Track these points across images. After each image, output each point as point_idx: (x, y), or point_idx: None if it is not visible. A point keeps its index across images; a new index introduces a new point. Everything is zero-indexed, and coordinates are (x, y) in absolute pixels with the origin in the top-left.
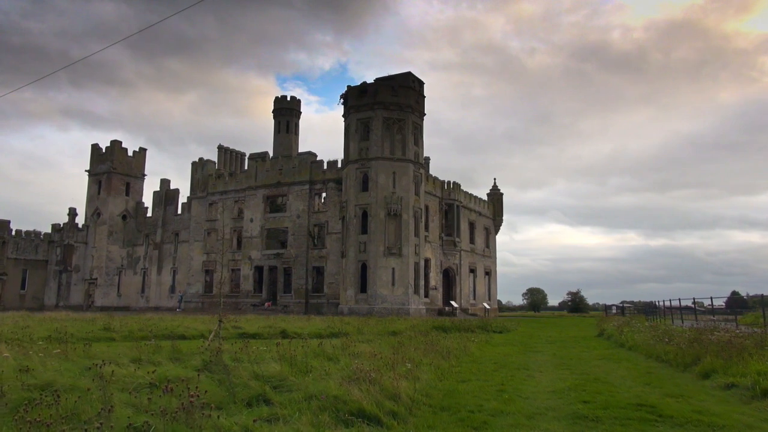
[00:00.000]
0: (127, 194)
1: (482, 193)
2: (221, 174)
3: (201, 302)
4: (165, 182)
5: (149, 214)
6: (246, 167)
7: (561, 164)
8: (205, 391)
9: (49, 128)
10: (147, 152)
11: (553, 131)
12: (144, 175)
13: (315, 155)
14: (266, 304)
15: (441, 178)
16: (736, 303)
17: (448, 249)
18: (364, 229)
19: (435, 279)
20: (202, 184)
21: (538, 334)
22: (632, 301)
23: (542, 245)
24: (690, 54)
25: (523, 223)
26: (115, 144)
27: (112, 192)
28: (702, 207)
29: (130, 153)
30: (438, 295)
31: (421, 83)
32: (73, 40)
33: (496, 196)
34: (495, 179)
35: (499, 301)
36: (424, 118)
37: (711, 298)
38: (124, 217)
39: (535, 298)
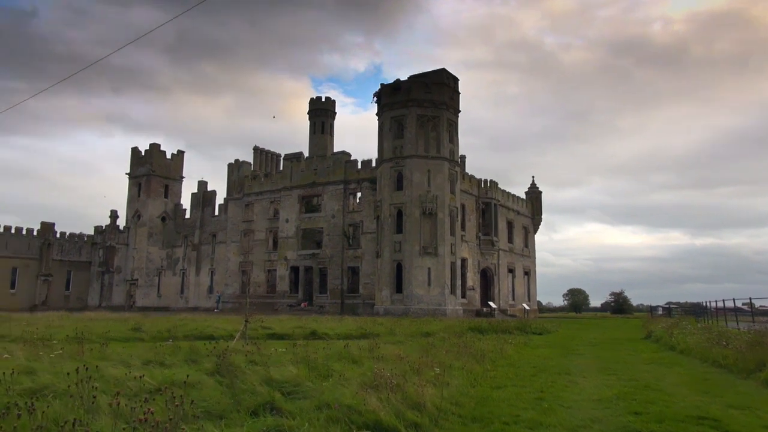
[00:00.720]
0: (165, 196)
1: (519, 192)
2: (257, 175)
3: (238, 303)
4: (202, 184)
5: (187, 215)
6: (281, 168)
7: (599, 162)
8: (204, 399)
9: (91, 134)
10: (185, 155)
11: (590, 128)
12: (182, 177)
13: (349, 155)
14: (302, 304)
15: (477, 177)
16: None
17: (485, 248)
18: (399, 229)
19: (472, 279)
20: (238, 186)
21: (580, 336)
22: (678, 302)
23: (582, 245)
24: (734, 46)
25: (562, 222)
26: (154, 147)
27: (152, 194)
28: (749, 204)
29: (168, 156)
30: (475, 296)
31: (455, 80)
32: (112, 48)
33: (534, 194)
34: (533, 177)
35: (539, 302)
36: (459, 115)
37: None
38: (163, 219)
39: (576, 299)
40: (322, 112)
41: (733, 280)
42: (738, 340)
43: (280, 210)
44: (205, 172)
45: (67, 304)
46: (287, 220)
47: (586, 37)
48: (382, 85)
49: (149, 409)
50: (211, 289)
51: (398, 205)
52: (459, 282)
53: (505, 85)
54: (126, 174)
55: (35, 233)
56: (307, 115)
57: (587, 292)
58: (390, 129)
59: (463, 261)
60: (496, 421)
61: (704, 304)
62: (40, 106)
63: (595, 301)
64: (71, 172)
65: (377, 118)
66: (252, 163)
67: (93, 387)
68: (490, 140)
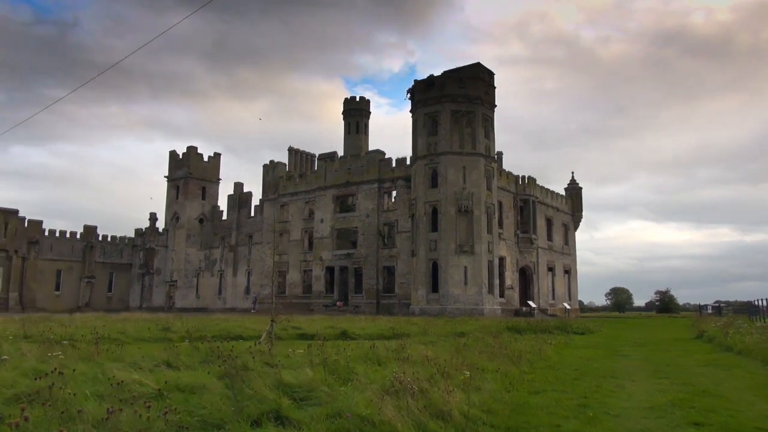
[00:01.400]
0: (203, 198)
1: (558, 190)
2: (291, 175)
3: (275, 303)
4: (238, 185)
5: (224, 217)
6: (316, 168)
7: (642, 157)
8: (203, 406)
9: (132, 139)
10: (222, 159)
11: (632, 123)
12: (219, 179)
13: (383, 153)
14: (338, 303)
15: (514, 174)
16: None
17: (524, 246)
18: (435, 227)
19: (511, 278)
20: (273, 187)
21: (625, 336)
22: (728, 301)
23: (625, 243)
24: None
25: (603, 220)
26: (191, 150)
27: (189, 196)
28: None
29: (205, 158)
30: (514, 295)
31: (490, 74)
32: (150, 55)
33: (574, 190)
34: (573, 173)
35: (581, 302)
36: (495, 110)
37: None
38: (201, 221)
39: (620, 298)
40: (356, 112)
41: None
42: None
43: (315, 210)
44: (242, 174)
45: (110, 305)
46: (322, 220)
47: (624, 29)
48: (415, 81)
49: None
50: (248, 290)
51: (433, 203)
52: (497, 281)
53: (542, 81)
54: (165, 177)
55: (78, 236)
56: (342, 116)
57: (631, 292)
58: (424, 126)
59: (501, 259)
60: None
61: (756, 302)
62: (84, 113)
63: (639, 301)
64: (113, 176)
65: (411, 115)
66: (287, 163)
67: (71, 394)
68: (528, 137)
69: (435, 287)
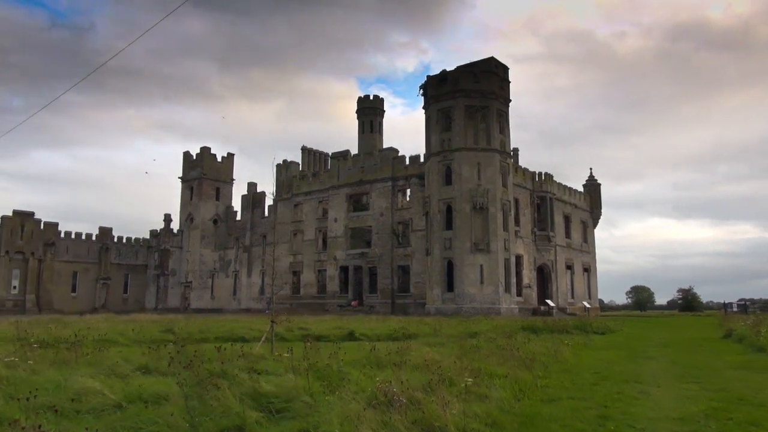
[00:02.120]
0: (217, 199)
1: (576, 187)
2: (305, 175)
3: (290, 303)
4: (252, 185)
5: (238, 217)
6: (329, 168)
7: (659, 153)
8: (155, 421)
9: (146, 141)
10: (237, 160)
11: (649, 118)
12: (233, 179)
13: (397, 151)
14: (352, 303)
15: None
16: None
17: (541, 244)
18: (449, 225)
19: (528, 276)
20: (286, 186)
21: (648, 336)
22: (752, 299)
23: (645, 240)
24: None
25: (622, 217)
26: (204, 150)
27: (203, 197)
28: None
29: (218, 159)
30: (532, 294)
31: (504, 68)
32: (164, 58)
33: (593, 186)
34: (591, 169)
35: (601, 300)
36: (510, 106)
37: None
38: (215, 222)
39: (641, 297)
40: (370, 111)
41: None
42: None
43: (328, 209)
44: (257, 176)
45: (125, 306)
46: (336, 220)
47: (640, 24)
48: (428, 77)
49: None
50: (262, 290)
51: (447, 201)
52: (514, 279)
53: (556, 78)
54: (179, 178)
55: (94, 238)
56: (356, 114)
57: (652, 290)
58: (437, 122)
59: (518, 257)
60: None
61: None
62: (102, 117)
63: (661, 299)
64: (129, 178)
65: (424, 111)
66: (300, 163)
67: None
68: (543, 135)
69: (450, 286)
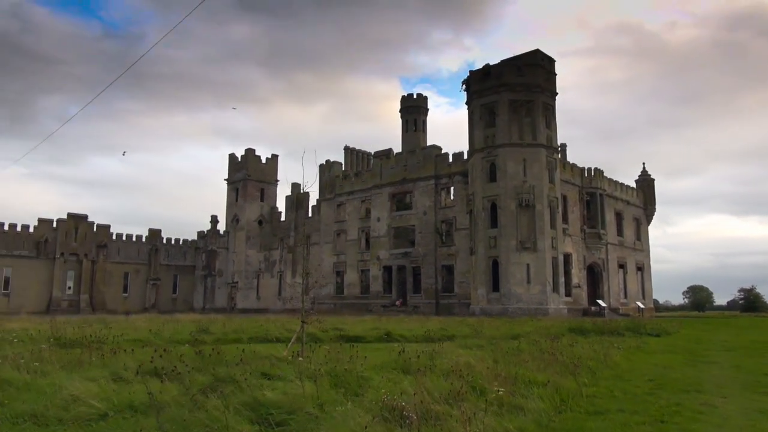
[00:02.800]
0: (262, 200)
1: (628, 183)
2: (347, 174)
3: (333, 303)
4: (296, 186)
5: (283, 218)
6: (371, 167)
7: (718, 147)
8: None
9: (199, 146)
10: (283, 162)
11: (705, 111)
12: (277, 180)
13: (440, 148)
14: (397, 303)
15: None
16: None
17: (591, 242)
18: (494, 223)
19: (577, 276)
20: (329, 186)
21: (709, 338)
22: None
23: (702, 238)
24: None
25: (677, 214)
26: (249, 152)
27: (248, 198)
28: None
29: (263, 160)
30: (582, 294)
31: (551, 60)
32: (213, 64)
33: (646, 182)
34: (644, 164)
35: (656, 301)
36: (557, 100)
37: None
38: (260, 222)
39: (699, 297)
40: (414, 110)
41: None
42: None
43: (371, 209)
44: (301, 176)
45: (174, 306)
46: (379, 219)
47: (692, 13)
48: (471, 71)
49: None
50: (306, 291)
51: (492, 198)
52: (562, 279)
53: (607, 72)
54: (224, 180)
55: (144, 240)
56: (399, 114)
57: (710, 290)
58: (480, 117)
59: (567, 256)
60: None
61: None
62: (155, 124)
63: (720, 299)
64: (180, 183)
65: (467, 107)
66: (343, 163)
67: None
68: (593, 130)
69: (496, 286)
